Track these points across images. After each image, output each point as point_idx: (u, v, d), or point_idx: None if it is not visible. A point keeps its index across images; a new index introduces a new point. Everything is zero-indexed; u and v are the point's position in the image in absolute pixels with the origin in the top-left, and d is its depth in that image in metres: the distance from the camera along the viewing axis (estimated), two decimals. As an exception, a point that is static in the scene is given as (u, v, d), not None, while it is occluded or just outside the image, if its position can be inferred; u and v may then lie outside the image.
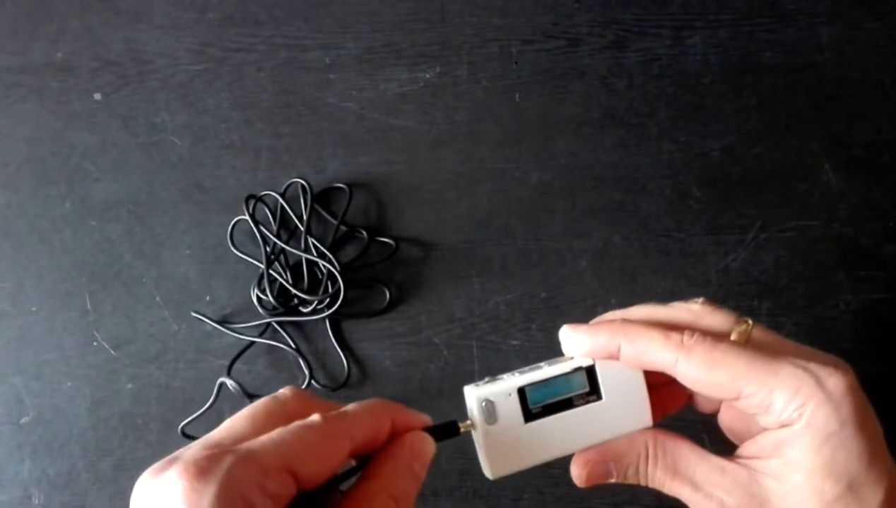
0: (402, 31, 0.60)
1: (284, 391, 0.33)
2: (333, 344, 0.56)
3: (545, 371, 0.35)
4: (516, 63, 0.59)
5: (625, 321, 0.35)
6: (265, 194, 0.57)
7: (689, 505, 0.34)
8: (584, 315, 0.55)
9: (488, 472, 0.35)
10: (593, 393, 0.35)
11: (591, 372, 0.35)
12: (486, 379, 0.35)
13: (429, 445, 0.35)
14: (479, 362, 0.56)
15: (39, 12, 0.62)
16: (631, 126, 0.58)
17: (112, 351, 0.57)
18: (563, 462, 0.57)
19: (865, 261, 0.55)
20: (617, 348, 0.34)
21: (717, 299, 0.35)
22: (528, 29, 0.60)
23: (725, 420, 0.37)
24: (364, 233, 0.57)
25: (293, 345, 0.56)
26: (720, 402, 0.37)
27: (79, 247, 0.59)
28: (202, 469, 0.26)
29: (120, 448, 0.56)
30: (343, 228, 0.57)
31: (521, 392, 0.35)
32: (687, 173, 0.57)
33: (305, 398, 0.33)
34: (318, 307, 0.55)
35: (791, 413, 0.31)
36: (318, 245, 0.56)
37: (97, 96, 0.60)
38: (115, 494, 0.56)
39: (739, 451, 0.34)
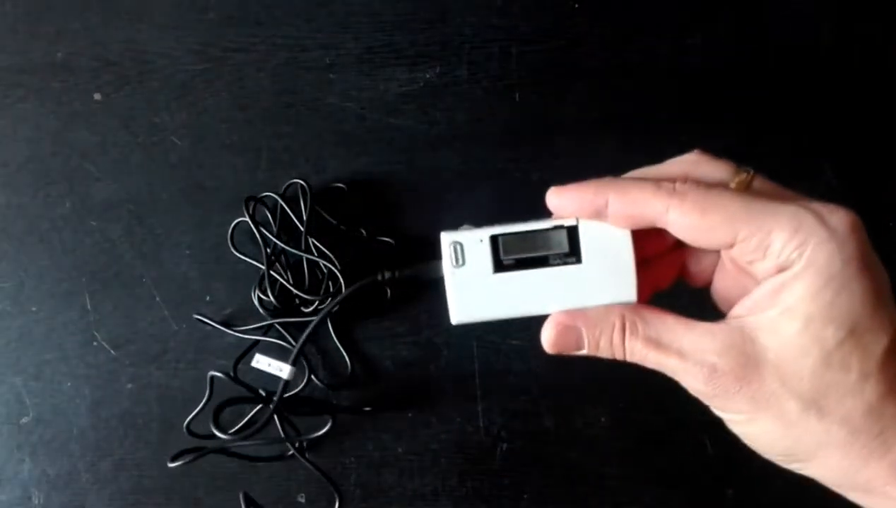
0: (402, 31, 0.60)
1: None
2: (336, 343, 0.56)
3: (523, 225, 0.34)
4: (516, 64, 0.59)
5: (614, 177, 0.33)
6: (265, 195, 0.57)
7: (677, 377, 0.32)
8: (584, 315, 0.55)
9: (452, 316, 0.34)
10: (573, 254, 0.33)
11: (572, 232, 0.33)
12: (466, 225, 0.35)
13: None
14: (479, 362, 0.56)
15: (39, 12, 0.62)
16: (631, 126, 0.58)
17: (112, 351, 0.57)
18: (563, 464, 0.57)
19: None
20: (605, 203, 0.32)
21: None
22: (528, 29, 0.60)
23: (719, 287, 0.35)
24: (364, 233, 0.57)
25: (294, 344, 0.56)
26: (713, 268, 0.35)
27: (79, 247, 0.59)
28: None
29: (120, 448, 0.56)
30: (343, 228, 0.57)
31: (494, 240, 0.34)
32: (687, 173, 0.57)
33: None
34: (320, 307, 0.55)
35: (790, 253, 0.29)
36: (319, 245, 0.56)
37: (97, 96, 0.60)
38: (115, 494, 0.56)
39: (731, 313, 0.32)
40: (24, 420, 0.57)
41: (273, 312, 0.56)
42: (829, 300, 0.28)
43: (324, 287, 0.55)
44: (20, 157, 0.60)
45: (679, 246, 0.35)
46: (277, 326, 0.56)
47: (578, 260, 0.33)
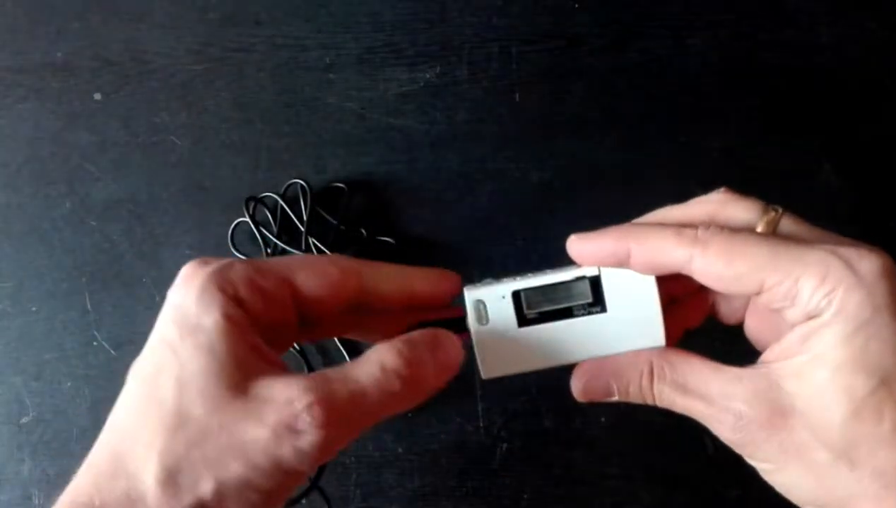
0: (402, 31, 0.60)
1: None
2: (336, 343, 0.56)
3: (545, 277, 0.33)
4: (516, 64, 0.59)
5: (634, 223, 0.32)
6: (265, 195, 0.57)
7: (706, 423, 0.31)
8: (584, 315, 0.55)
9: (481, 372, 0.35)
10: (597, 304, 0.33)
11: (595, 282, 0.33)
12: (489, 279, 0.35)
13: (455, 348, 0.33)
14: (480, 362, 0.56)
15: (39, 12, 0.62)
16: (631, 126, 0.58)
17: (112, 351, 0.57)
18: (563, 464, 0.57)
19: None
20: (627, 252, 0.31)
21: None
22: (528, 29, 0.60)
23: (752, 328, 0.34)
24: (364, 232, 0.57)
25: (295, 346, 0.56)
26: (745, 309, 0.34)
27: (79, 247, 0.59)
28: (206, 259, 0.30)
29: (120, 448, 0.56)
30: (343, 228, 0.57)
31: (516, 296, 0.34)
32: (687, 173, 0.57)
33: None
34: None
35: (819, 301, 0.28)
36: (319, 245, 0.56)
37: (97, 96, 0.60)
38: (116, 494, 0.56)
39: (761, 358, 0.31)
40: (24, 420, 0.57)
41: (273, 312, 0.56)
42: (859, 348, 0.27)
43: (324, 287, 0.55)
44: (20, 157, 0.60)
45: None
46: (277, 326, 0.56)
47: (603, 310, 0.33)
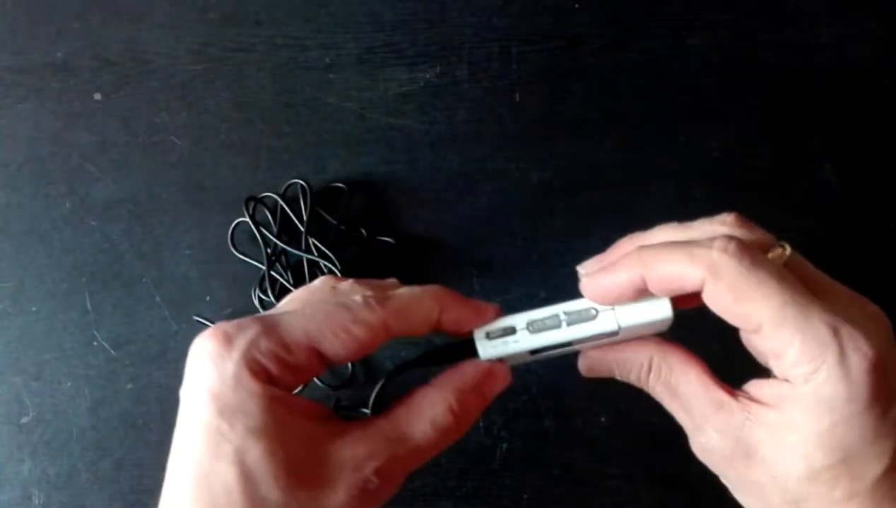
0: (402, 31, 0.60)
1: (342, 282, 0.34)
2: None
3: (563, 332, 0.33)
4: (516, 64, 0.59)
5: (642, 249, 0.32)
6: (265, 195, 0.57)
7: (683, 427, 0.33)
8: (584, 315, 0.55)
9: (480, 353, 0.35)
10: (612, 335, 0.34)
11: (612, 336, 0.34)
12: (498, 327, 0.34)
13: (504, 377, 0.34)
14: (480, 362, 0.56)
15: (39, 12, 0.62)
16: (631, 126, 0.58)
17: (112, 351, 0.57)
18: (563, 464, 0.57)
19: (866, 261, 0.55)
20: (641, 282, 0.31)
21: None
22: (528, 29, 0.60)
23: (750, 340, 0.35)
24: (364, 232, 0.57)
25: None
26: None
27: (79, 247, 0.59)
28: (228, 336, 0.29)
29: (120, 448, 0.56)
30: (343, 228, 0.57)
31: (535, 352, 0.34)
32: (687, 173, 0.57)
33: (360, 282, 0.34)
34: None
35: (798, 373, 0.28)
36: (319, 245, 0.56)
37: (97, 96, 0.60)
38: (115, 494, 0.56)
39: (745, 387, 0.32)
40: (24, 420, 0.57)
41: (273, 312, 0.56)
42: (824, 430, 0.28)
43: (324, 287, 0.55)
44: (20, 157, 0.60)
45: None
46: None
47: (616, 334, 0.34)
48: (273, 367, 0.29)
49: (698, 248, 0.30)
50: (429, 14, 0.60)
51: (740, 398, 0.31)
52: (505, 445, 0.55)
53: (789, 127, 0.57)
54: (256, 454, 0.27)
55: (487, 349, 0.34)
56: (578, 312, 0.34)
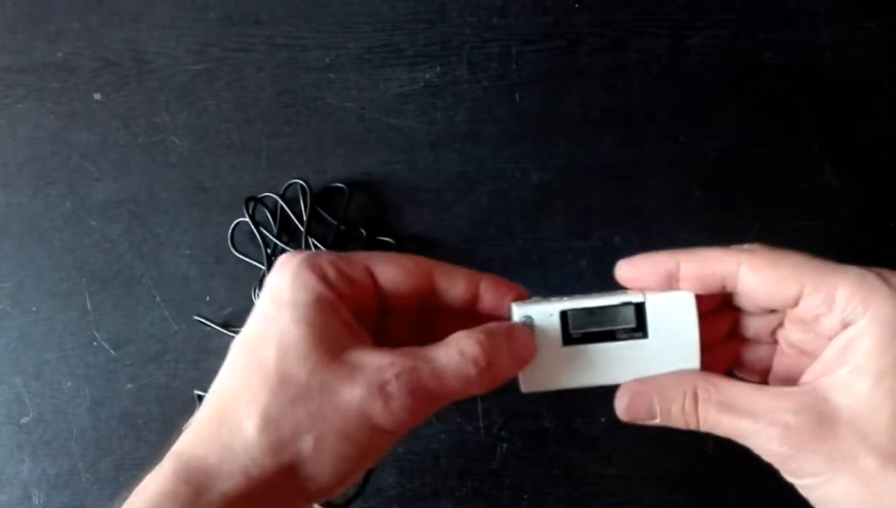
0: (402, 31, 0.60)
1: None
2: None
3: (593, 300, 0.35)
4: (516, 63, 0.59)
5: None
6: (265, 195, 0.57)
7: (751, 442, 0.32)
8: (584, 315, 0.55)
9: (522, 385, 0.36)
10: (639, 330, 0.35)
11: (639, 308, 0.34)
12: (537, 298, 0.36)
13: (528, 339, 0.35)
14: (480, 362, 0.56)
15: (39, 12, 0.62)
16: (631, 126, 0.58)
17: (112, 351, 0.57)
18: (563, 464, 0.57)
19: (865, 261, 0.55)
20: (676, 265, 0.33)
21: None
22: (528, 29, 0.60)
23: (780, 373, 0.35)
24: (364, 232, 0.57)
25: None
26: (769, 359, 0.36)
27: (79, 247, 0.59)
28: (297, 252, 0.33)
29: (120, 448, 0.56)
30: (343, 228, 0.57)
31: (563, 315, 0.35)
32: (687, 173, 0.57)
33: None
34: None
35: (855, 307, 0.30)
36: (319, 245, 0.56)
37: (97, 96, 0.60)
38: (115, 494, 0.55)
39: (802, 379, 0.32)
40: (24, 420, 0.57)
41: (273, 312, 0.56)
42: None
43: (324, 287, 0.55)
44: (20, 157, 0.60)
45: (733, 335, 0.36)
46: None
47: (645, 335, 0.35)
48: (330, 271, 0.32)
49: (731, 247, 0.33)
50: (429, 14, 0.60)
51: (801, 386, 0.32)
52: (505, 445, 0.55)
53: (789, 127, 0.57)
54: (294, 336, 0.31)
55: (521, 308, 0.35)
56: (609, 292, 0.35)
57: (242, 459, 0.30)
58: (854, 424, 0.29)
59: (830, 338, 0.31)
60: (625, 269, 0.35)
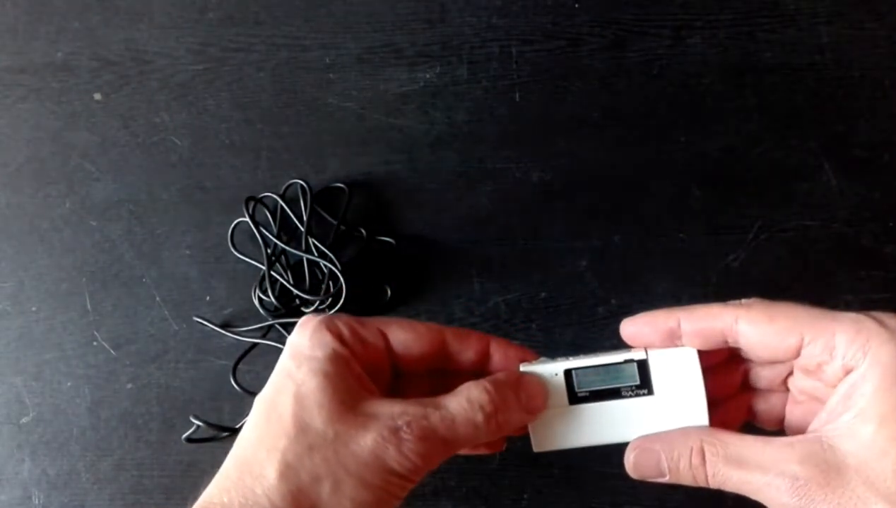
0: (402, 31, 0.60)
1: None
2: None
3: (596, 358, 0.36)
4: (516, 63, 0.59)
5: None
6: (265, 195, 0.57)
7: (760, 495, 0.32)
8: (583, 315, 0.55)
9: (533, 445, 0.37)
10: (644, 387, 0.35)
11: (642, 365, 0.35)
12: (543, 358, 0.37)
13: (538, 387, 0.36)
14: (480, 362, 0.56)
15: (39, 12, 0.62)
16: (631, 126, 0.58)
17: (112, 351, 0.57)
18: (563, 464, 0.57)
19: (865, 261, 0.55)
20: (676, 323, 0.34)
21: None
22: (528, 29, 0.60)
23: (794, 421, 0.36)
24: (364, 232, 0.57)
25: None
26: (782, 407, 0.36)
27: (79, 247, 0.59)
28: (316, 315, 0.35)
29: (120, 448, 0.56)
30: (343, 228, 0.57)
31: (568, 374, 0.36)
32: (687, 173, 0.57)
33: None
34: (320, 307, 0.55)
35: (855, 352, 0.30)
36: (319, 245, 0.56)
37: (97, 96, 0.60)
38: (115, 494, 0.56)
39: (809, 428, 0.32)
40: (24, 420, 0.57)
41: (273, 312, 0.56)
42: None
43: (324, 287, 0.55)
44: (20, 157, 0.60)
45: (745, 387, 0.37)
46: (278, 326, 0.56)
47: (650, 392, 0.35)
48: (346, 331, 0.34)
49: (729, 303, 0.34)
50: (429, 14, 0.60)
51: (807, 434, 0.32)
52: (505, 445, 0.55)
53: (789, 127, 0.57)
54: (311, 387, 0.32)
55: (527, 368, 0.36)
56: (613, 350, 0.36)
57: (264, 504, 0.31)
58: (861, 471, 0.29)
59: (835, 385, 0.31)
60: (628, 328, 0.36)
